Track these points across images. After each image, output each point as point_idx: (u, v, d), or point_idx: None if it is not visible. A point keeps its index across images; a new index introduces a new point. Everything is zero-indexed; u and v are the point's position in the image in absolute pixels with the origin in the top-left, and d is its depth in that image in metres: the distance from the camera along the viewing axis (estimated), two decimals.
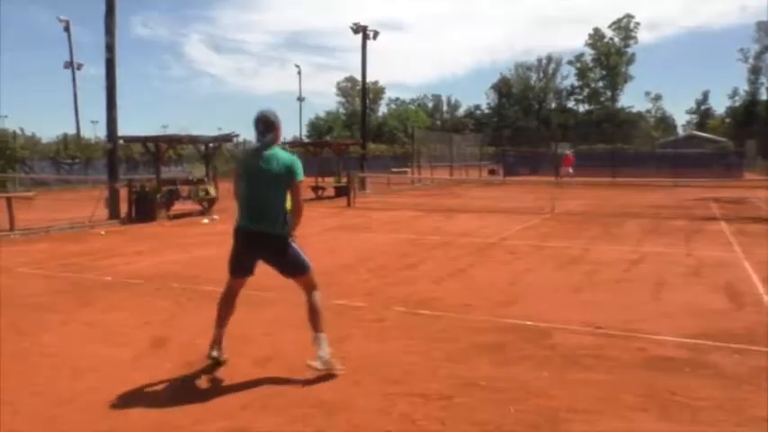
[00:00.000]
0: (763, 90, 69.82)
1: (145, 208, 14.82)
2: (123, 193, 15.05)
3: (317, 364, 4.08)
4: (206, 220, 14.90)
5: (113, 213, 14.59)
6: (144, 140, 17.02)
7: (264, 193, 4.11)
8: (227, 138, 20.32)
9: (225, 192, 20.59)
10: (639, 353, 4.66)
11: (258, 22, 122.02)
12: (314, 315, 4.24)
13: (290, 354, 4.67)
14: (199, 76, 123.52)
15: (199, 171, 19.94)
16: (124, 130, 16.14)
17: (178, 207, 16.19)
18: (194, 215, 15.85)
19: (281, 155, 4.13)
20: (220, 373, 4.26)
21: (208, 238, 11.63)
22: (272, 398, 3.82)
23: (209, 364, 4.35)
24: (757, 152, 42.17)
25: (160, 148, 16.92)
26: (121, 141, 17.20)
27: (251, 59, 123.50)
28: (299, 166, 4.15)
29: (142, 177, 19.81)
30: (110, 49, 15.30)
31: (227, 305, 4.41)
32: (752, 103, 69.07)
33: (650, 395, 3.82)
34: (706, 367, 4.35)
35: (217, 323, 4.37)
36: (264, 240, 4.17)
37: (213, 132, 18.89)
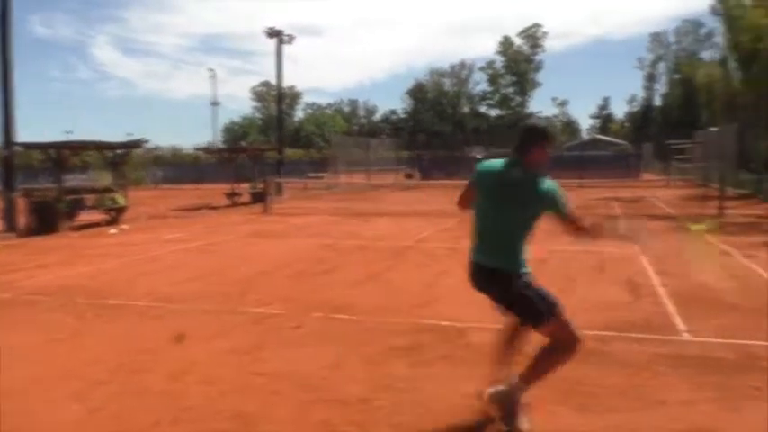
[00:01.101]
0: (657, 96, 74.76)
1: (46, 219, 13.97)
2: (21, 203, 14.12)
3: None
4: (114, 231, 14.25)
5: (10, 226, 13.68)
6: (45, 147, 16.07)
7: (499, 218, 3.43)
8: (137, 144, 19.59)
9: (136, 200, 19.82)
10: None
11: (170, 24, 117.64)
12: (535, 363, 3.33)
13: (205, 366, 4.55)
14: (107, 78, 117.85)
15: (106, 179, 19.07)
16: (23, 136, 15.17)
17: (84, 217, 15.38)
18: (102, 225, 15.12)
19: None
20: (131, 388, 4.09)
21: (116, 249, 11.12)
22: (187, 412, 3.70)
23: (119, 381, 4.17)
24: (653, 154, 45.11)
25: (63, 155, 16.02)
26: (19, 148, 16.13)
27: (163, 62, 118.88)
28: None
29: (42, 186, 18.71)
30: (4, 48, 14.34)
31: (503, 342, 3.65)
32: (648, 109, 73.80)
33: (559, 386, 4.00)
34: (609, 356, 4.60)
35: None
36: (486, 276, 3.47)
37: (122, 138, 18.15)
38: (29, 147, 17.60)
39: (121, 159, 17.64)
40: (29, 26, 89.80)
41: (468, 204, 3.56)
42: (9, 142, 14.60)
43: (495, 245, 3.35)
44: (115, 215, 15.94)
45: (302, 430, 3.45)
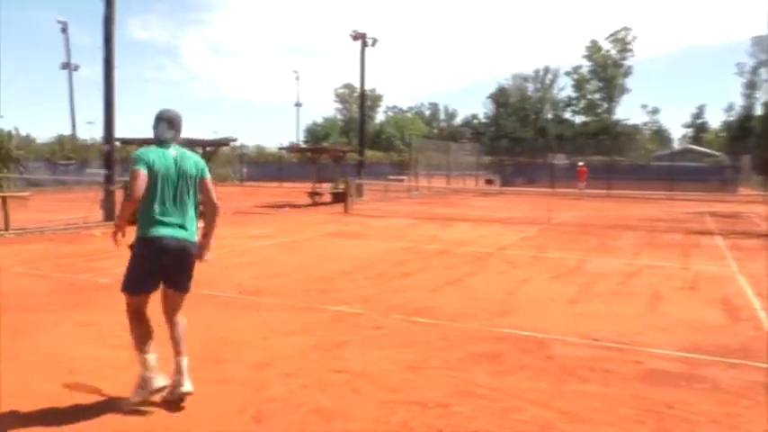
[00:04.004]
0: (758, 105, 70.28)
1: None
2: (119, 194, 14.96)
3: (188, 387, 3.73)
4: (201, 224, 14.84)
5: (109, 215, 14.53)
6: (140, 142, 16.96)
7: (182, 195, 3.95)
8: (226, 141, 20.39)
9: (221, 195, 20.53)
10: (636, 365, 4.67)
11: (256, 27, 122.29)
12: (181, 339, 3.86)
13: (288, 359, 4.66)
14: (196, 79, 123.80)
15: None
16: (119, 131, 16.13)
17: None
18: None
19: (190, 154, 4.02)
20: (217, 376, 4.24)
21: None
22: (269, 403, 3.80)
23: (205, 368, 4.33)
24: (752, 167, 42.34)
25: None
26: (118, 143, 17.15)
27: (248, 64, 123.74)
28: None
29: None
30: (108, 49, 15.28)
31: (146, 324, 3.87)
32: (747, 118, 69.42)
33: (647, 408, 3.82)
34: (702, 381, 4.35)
35: (141, 349, 3.76)
36: (181, 251, 3.89)
37: (209, 136, 18.93)
38: (126, 142, 18.64)
39: (210, 156, 18.39)
40: (128, 29, 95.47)
41: None
42: (110, 138, 15.54)
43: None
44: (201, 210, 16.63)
45: (381, 430, 3.46)
